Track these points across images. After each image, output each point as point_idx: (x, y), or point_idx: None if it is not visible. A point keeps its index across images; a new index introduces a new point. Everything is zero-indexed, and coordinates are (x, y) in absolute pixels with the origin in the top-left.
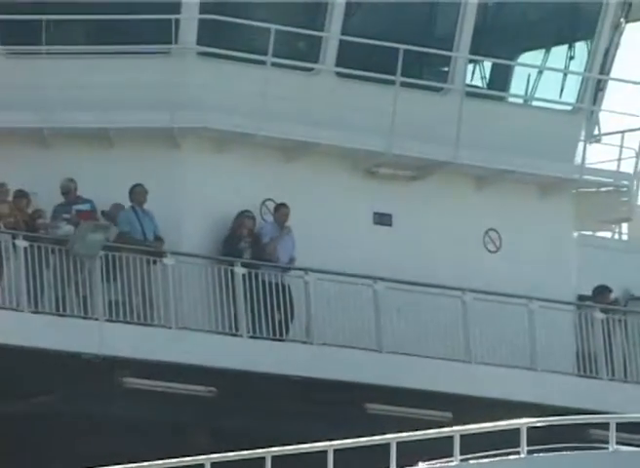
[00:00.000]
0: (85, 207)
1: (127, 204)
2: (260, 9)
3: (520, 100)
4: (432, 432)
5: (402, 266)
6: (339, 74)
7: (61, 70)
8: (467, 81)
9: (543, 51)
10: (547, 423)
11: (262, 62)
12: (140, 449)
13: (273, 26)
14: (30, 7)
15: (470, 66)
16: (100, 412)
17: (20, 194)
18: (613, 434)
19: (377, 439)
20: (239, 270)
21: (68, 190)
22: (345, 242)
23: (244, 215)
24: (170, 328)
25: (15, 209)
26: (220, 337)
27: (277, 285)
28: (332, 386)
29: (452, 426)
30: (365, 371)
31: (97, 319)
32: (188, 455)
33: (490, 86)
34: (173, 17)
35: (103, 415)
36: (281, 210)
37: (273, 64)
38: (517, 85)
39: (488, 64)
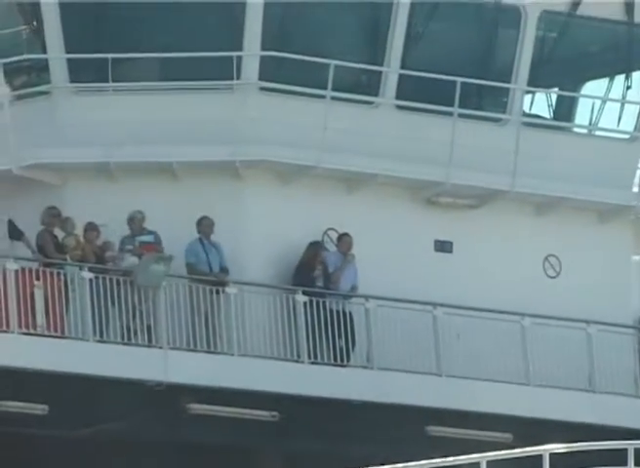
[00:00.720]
0: (149, 238)
1: (194, 235)
2: (320, 43)
3: (581, 130)
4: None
5: (463, 292)
6: (398, 107)
7: (127, 106)
8: (532, 111)
9: (604, 80)
10: (570, 449)
11: (323, 96)
12: None
13: (333, 62)
14: (97, 45)
15: (536, 96)
16: (167, 438)
17: (91, 227)
18: (631, 460)
19: (466, 458)
20: (300, 298)
21: (134, 222)
22: (407, 269)
23: (319, 246)
24: (232, 355)
25: (80, 241)
26: (281, 363)
27: (338, 312)
28: (393, 409)
29: (512, 448)
30: (425, 395)
31: (161, 347)
32: None
33: (556, 115)
34: (235, 53)
35: (170, 441)
36: (344, 239)
37: (333, 98)
38: (579, 115)
39: (554, 94)
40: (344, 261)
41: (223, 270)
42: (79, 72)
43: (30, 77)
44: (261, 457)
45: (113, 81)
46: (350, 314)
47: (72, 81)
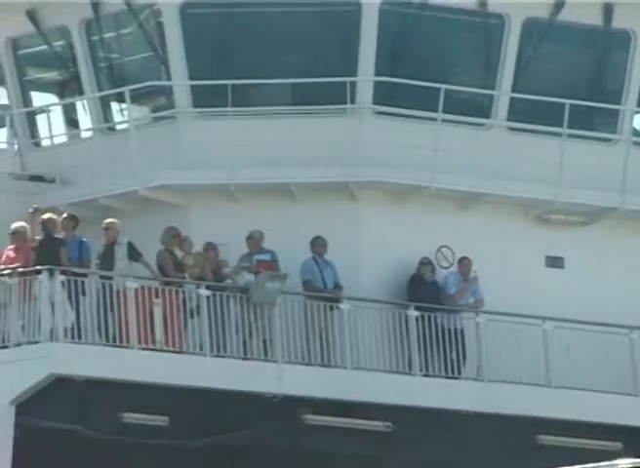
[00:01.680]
0: (266, 257)
1: (309, 254)
2: (432, 67)
3: None
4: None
5: (573, 305)
6: (510, 128)
7: (247, 130)
8: None
9: None
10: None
11: (434, 119)
12: None
13: (443, 86)
14: (218, 71)
15: None
16: (283, 448)
17: (210, 246)
18: None
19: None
20: (412, 313)
21: (253, 241)
22: (519, 284)
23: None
24: (346, 368)
25: (198, 260)
26: (394, 376)
27: (449, 327)
28: (503, 420)
29: (622, 456)
30: (535, 405)
31: (276, 361)
32: None
33: None
34: (349, 79)
35: (286, 450)
36: (464, 262)
37: (445, 120)
38: None
39: None
40: (466, 284)
41: (337, 287)
42: (202, 98)
43: (156, 103)
44: (381, 466)
45: (233, 106)
46: (462, 330)
47: (195, 106)
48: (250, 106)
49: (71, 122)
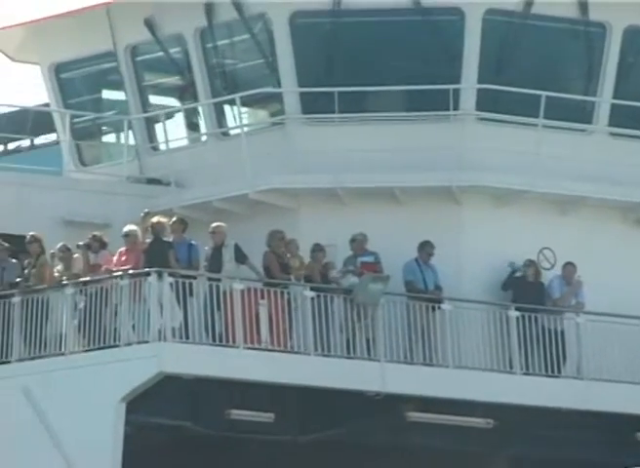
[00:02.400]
0: (369, 259)
1: (412, 255)
2: (534, 74)
3: None
4: None
5: None
6: (611, 134)
7: (353, 136)
8: None
9: None
10: None
11: (535, 125)
12: None
13: (544, 93)
14: (325, 78)
15: None
16: (387, 443)
17: (318, 248)
18: None
19: None
20: (513, 314)
21: (357, 243)
22: (618, 285)
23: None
24: (448, 367)
25: (304, 262)
26: (495, 375)
27: (549, 327)
28: (603, 417)
29: None
30: (634, 403)
31: (379, 360)
32: None
33: None
34: (452, 86)
35: (389, 446)
36: (568, 267)
37: (546, 126)
38: None
39: None
40: (571, 287)
41: (437, 288)
42: (310, 104)
43: (267, 108)
44: (483, 462)
45: (341, 112)
46: (562, 330)
47: (304, 112)
48: (356, 113)
49: (192, 126)
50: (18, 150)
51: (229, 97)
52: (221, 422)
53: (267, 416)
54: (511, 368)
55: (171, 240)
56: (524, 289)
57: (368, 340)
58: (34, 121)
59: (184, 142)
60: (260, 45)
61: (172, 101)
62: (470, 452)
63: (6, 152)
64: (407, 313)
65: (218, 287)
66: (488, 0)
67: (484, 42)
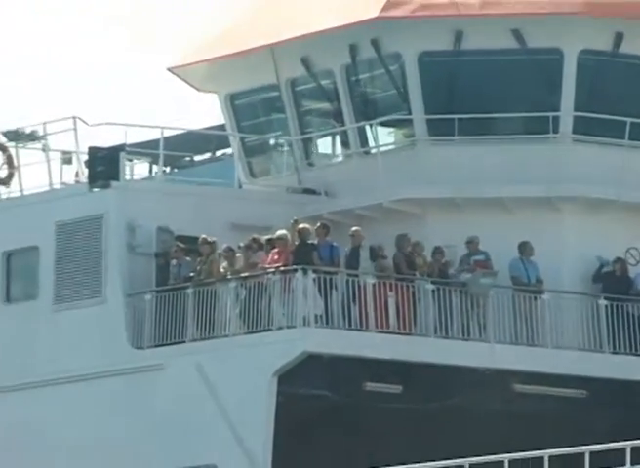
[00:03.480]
0: (481, 257)
1: (516, 255)
2: (621, 101)
3: None
4: None
5: None
6: None
7: (469, 154)
8: None
9: None
10: None
11: (622, 145)
12: (529, 440)
13: (629, 119)
14: (448, 105)
15: None
16: (499, 410)
17: (438, 250)
18: None
19: None
20: (602, 302)
21: (472, 244)
22: None
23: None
24: (547, 347)
25: (427, 261)
26: (588, 353)
27: (633, 313)
28: None
29: None
30: None
31: (489, 341)
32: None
33: None
34: (553, 114)
35: (502, 412)
36: None
37: (631, 146)
38: None
39: None
40: None
41: (539, 281)
42: (436, 128)
43: (399, 131)
44: (579, 427)
45: (460, 135)
46: None
47: (430, 135)
48: (473, 135)
49: (346, 144)
50: (200, 163)
51: (367, 122)
52: (357, 393)
53: (396, 388)
54: (601, 347)
55: (315, 242)
56: (612, 281)
57: (480, 325)
58: (217, 139)
59: (336, 159)
60: (393, 78)
61: (322, 123)
62: (567, 418)
63: (199, 162)
64: (512, 302)
65: (354, 281)
66: (582, 41)
67: (579, 76)
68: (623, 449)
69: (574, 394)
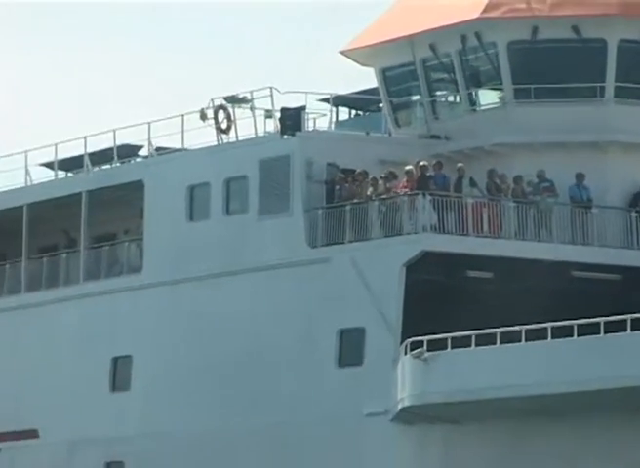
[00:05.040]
0: (547, 184)
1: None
2: None
3: None
4: None
5: None
6: None
7: (542, 112)
8: None
9: None
10: None
11: None
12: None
13: None
14: (526, 78)
15: None
16: (560, 290)
17: (519, 179)
18: None
19: None
20: (634, 214)
21: (541, 175)
22: None
23: None
24: (594, 245)
25: (510, 186)
26: (623, 250)
27: None
28: None
29: None
30: None
31: (553, 242)
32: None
33: None
34: (600, 84)
35: (560, 292)
36: None
37: None
38: None
39: None
40: None
41: (589, 200)
42: (519, 93)
43: (494, 96)
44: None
45: (537, 98)
46: None
47: (516, 98)
48: (545, 99)
49: (459, 104)
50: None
51: (475, 88)
52: (461, 278)
53: (488, 275)
54: (632, 245)
55: (432, 174)
56: None
57: (547, 230)
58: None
59: (453, 114)
60: (490, 59)
61: (444, 89)
62: (609, 295)
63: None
64: (570, 214)
65: (459, 201)
66: (621, 33)
67: (618, 58)
68: None
69: (613, 277)
